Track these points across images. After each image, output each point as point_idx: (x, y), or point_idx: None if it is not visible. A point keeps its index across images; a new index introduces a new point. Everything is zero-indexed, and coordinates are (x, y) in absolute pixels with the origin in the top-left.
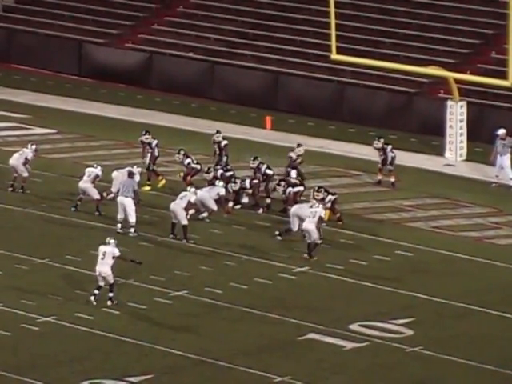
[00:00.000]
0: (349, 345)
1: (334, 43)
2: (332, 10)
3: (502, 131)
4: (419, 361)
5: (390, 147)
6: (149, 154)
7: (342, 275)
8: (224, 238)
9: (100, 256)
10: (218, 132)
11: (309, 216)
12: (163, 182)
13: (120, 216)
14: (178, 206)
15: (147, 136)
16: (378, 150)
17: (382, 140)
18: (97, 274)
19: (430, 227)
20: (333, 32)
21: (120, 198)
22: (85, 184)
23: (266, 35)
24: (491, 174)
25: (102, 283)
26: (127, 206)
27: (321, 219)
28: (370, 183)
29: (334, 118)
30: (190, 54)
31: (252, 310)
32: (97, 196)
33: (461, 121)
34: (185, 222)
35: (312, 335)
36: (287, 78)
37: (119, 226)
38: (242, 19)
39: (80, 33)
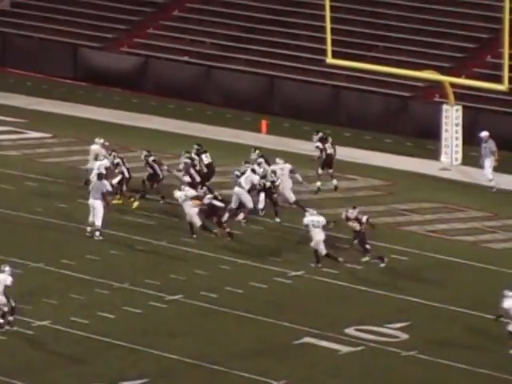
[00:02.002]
0: (344, 349)
1: (329, 47)
2: (328, 14)
3: (484, 134)
4: (414, 365)
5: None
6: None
7: (338, 279)
8: (219, 242)
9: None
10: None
11: (314, 225)
12: (136, 203)
13: (91, 219)
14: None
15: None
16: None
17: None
18: None
19: (426, 231)
20: (328, 36)
21: (90, 201)
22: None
23: (262, 39)
24: (486, 178)
25: (5, 308)
26: (96, 208)
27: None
28: (365, 187)
29: (329, 121)
30: (185, 58)
31: (247, 314)
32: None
33: (456, 125)
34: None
35: (307, 339)
36: (282, 81)
37: (89, 228)
38: (238, 23)
39: (75, 37)
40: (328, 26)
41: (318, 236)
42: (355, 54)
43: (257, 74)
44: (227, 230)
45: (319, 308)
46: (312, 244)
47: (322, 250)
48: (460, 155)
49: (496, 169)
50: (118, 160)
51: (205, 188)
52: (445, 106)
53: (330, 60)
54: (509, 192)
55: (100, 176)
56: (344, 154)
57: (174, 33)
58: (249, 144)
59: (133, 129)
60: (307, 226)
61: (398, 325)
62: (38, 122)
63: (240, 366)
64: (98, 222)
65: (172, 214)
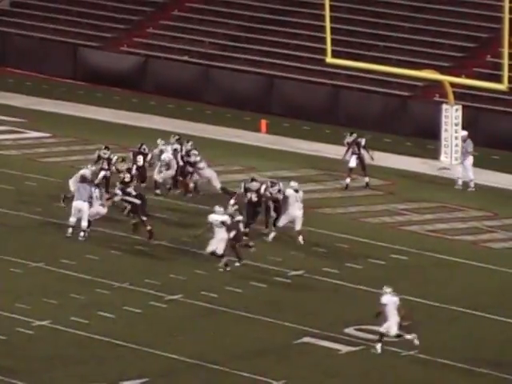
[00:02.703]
0: (344, 348)
1: (329, 47)
2: (327, 13)
3: (462, 133)
4: (414, 364)
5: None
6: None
7: (337, 279)
8: None
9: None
10: (106, 148)
11: (296, 200)
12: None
13: (72, 219)
14: None
15: (105, 151)
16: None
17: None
18: None
19: (425, 231)
20: (328, 36)
21: (75, 203)
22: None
23: (261, 39)
24: (487, 178)
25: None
26: (83, 210)
27: None
28: (365, 187)
29: (328, 121)
30: (185, 58)
31: (247, 314)
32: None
33: (456, 124)
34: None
35: (307, 339)
36: (282, 81)
37: (70, 230)
38: (237, 23)
39: (75, 36)
40: (328, 25)
41: (220, 235)
42: (355, 53)
43: (256, 73)
44: (148, 228)
45: (319, 308)
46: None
47: (220, 250)
48: (460, 155)
49: (496, 168)
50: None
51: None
52: (444, 106)
53: (329, 59)
54: (509, 192)
55: (84, 178)
56: (343, 153)
57: (173, 32)
58: (248, 144)
59: (133, 128)
60: (211, 223)
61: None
62: (37, 121)
63: (240, 365)
64: (85, 223)
65: (172, 213)
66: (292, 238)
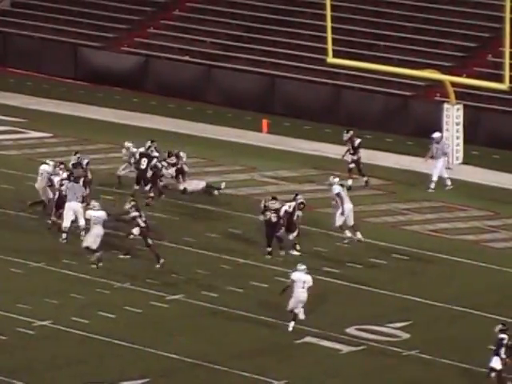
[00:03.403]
0: (345, 348)
1: (330, 47)
2: (328, 13)
3: (436, 135)
4: (416, 364)
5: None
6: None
7: (339, 279)
8: (220, 241)
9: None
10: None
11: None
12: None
13: (66, 224)
14: None
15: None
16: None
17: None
18: None
19: (427, 230)
20: (329, 35)
21: (68, 204)
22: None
23: (262, 38)
24: (488, 177)
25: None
26: (77, 210)
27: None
28: (366, 186)
29: (329, 121)
30: (186, 58)
31: (248, 314)
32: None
33: (457, 124)
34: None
35: (308, 339)
36: (283, 81)
37: (64, 236)
38: (238, 23)
39: (76, 36)
40: (329, 25)
41: (96, 231)
42: (356, 53)
43: (258, 73)
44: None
45: (320, 307)
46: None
47: (94, 245)
48: (461, 154)
49: (497, 168)
50: (86, 161)
51: None
52: (446, 105)
53: (330, 59)
54: (510, 191)
55: (76, 178)
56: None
57: (174, 32)
58: (250, 143)
59: (133, 128)
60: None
61: (399, 324)
62: (38, 121)
63: (241, 365)
64: (83, 221)
65: (173, 213)
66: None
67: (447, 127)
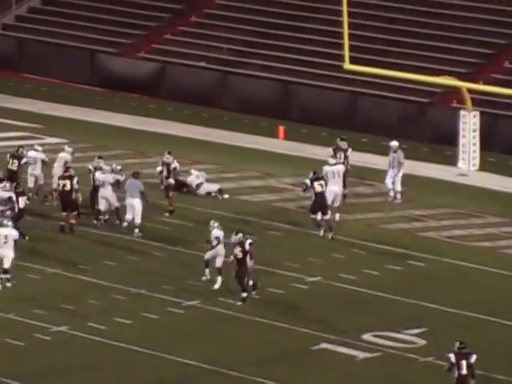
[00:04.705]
0: (361, 355)
1: (346, 53)
2: (345, 19)
3: (393, 143)
4: (432, 371)
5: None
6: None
7: (355, 285)
8: None
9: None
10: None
11: (332, 175)
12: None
13: (128, 216)
14: None
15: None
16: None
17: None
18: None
19: (443, 237)
20: (346, 42)
21: (128, 200)
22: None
23: (278, 45)
24: (504, 184)
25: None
26: (135, 206)
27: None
28: (382, 193)
29: (346, 127)
30: (202, 64)
31: (264, 320)
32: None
33: (474, 130)
34: None
35: (324, 345)
36: (299, 87)
37: (125, 224)
38: (255, 29)
39: (92, 42)
40: (345, 31)
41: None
42: (372, 59)
43: (273, 79)
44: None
45: (336, 314)
46: None
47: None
48: (477, 161)
49: None
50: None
51: None
52: (462, 112)
53: (347, 66)
54: None
55: (135, 174)
56: (361, 159)
57: (190, 38)
58: (266, 150)
59: (149, 134)
60: None
61: (416, 331)
62: (54, 127)
63: (256, 371)
64: (138, 220)
65: (188, 219)
66: (310, 245)
67: (464, 134)
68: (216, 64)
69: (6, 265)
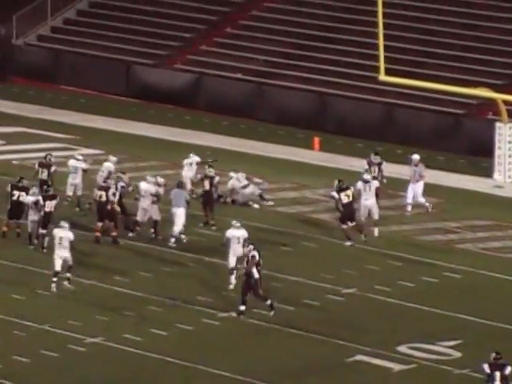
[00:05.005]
0: (396, 367)
1: (382, 64)
2: (380, 31)
3: (415, 157)
4: (467, 383)
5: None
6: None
7: (390, 297)
8: (271, 259)
9: (57, 241)
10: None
11: (364, 190)
12: None
13: (177, 229)
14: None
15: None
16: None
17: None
18: (56, 258)
19: (479, 249)
20: (381, 53)
21: (173, 209)
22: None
23: (314, 56)
24: None
25: (58, 268)
26: (178, 215)
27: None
28: (418, 205)
29: (381, 139)
30: (238, 75)
31: (299, 332)
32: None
33: (509, 142)
34: None
35: (359, 357)
36: (335, 98)
37: (173, 240)
38: (290, 40)
39: (128, 54)
40: (381, 42)
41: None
42: (407, 71)
43: (309, 90)
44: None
45: (371, 325)
46: None
47: None
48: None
49: None
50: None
51: None
52: (498, 124)
53: (382, 77)
54: None
55: (180, 184)
56: (396, 171)
57: (226, 50)
58: (301, 161)
59: (185, 145)
60: None
61: (451, 343)
62: (90, 138)
63: (291, 383)
64: (178, 229)
65: (223, 230)
66: (346, 254)
67: (499, 145)
68: (252, 75)
69: (57, 267)
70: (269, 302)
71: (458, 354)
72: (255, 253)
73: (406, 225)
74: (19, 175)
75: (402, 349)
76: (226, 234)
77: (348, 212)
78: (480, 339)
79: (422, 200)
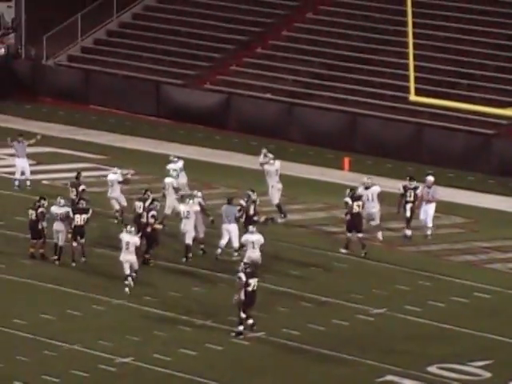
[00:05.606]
0: None
1: (412, 84)
2: (411, 51)
3: (429, 178)
4: None
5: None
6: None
7: (420, 317)
8: (299, 280)
9: (124, 245)
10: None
11: (367, 200)
12: None
13: (222, 242)
14: None
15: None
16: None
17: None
18: (123, 261)
19: (509, 269)
20: (411, 73)
21: (224, 225)
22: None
23: (344, 76)
24: None
25: (128, 271)
26: (231, 231)
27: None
28: (448, 224)
29: (412, 159)
30: (268, 95)
31: (329, 352)
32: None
33: None
34: None
35: (390, 377)
36: (364, 118)
37: (219, 251)
38: (320, 60)
39: (158, 74)
40: (411, 63)
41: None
42: (439, 91)
43: (339, 111)
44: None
45: (401, 346)
46: None
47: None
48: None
49: None
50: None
51: None
52: None
53: (413, 97)
54: None
55: (230, 201)
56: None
57: (256, 70)
58: (332, 181)
59: (216, 166)
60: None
61: (481, 363)
62: (120, 158)
63: None
64: (236, 244)
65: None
66: (373, 273)
67: None
68: (282, 95)
69: (127, 271)
70: (241, 328)
71: (487, 375)
72: (241, 275)
73: (435, 245)
74: (44, 195)
75: (432, 369)
76: (242, 239)
77: (356, 221)
78: (510, 359)
79: (430, 224)
